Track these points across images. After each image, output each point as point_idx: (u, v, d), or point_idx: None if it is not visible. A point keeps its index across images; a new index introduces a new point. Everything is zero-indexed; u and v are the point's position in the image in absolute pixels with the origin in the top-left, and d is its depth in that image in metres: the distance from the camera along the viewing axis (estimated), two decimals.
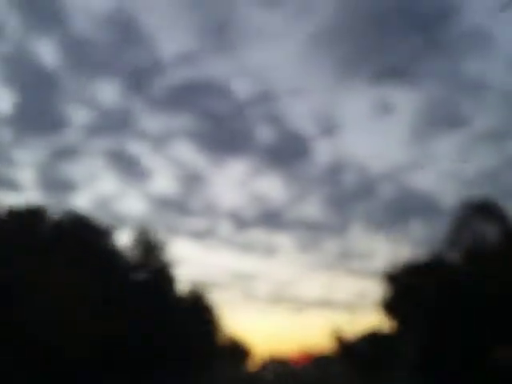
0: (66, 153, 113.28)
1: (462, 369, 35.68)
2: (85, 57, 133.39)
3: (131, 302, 39.60)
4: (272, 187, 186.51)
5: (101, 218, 44.97)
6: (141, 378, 41.84)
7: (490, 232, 39.76)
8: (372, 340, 62.54)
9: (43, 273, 30.17)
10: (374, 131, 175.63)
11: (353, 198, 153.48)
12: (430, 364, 38.20)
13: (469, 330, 35.12)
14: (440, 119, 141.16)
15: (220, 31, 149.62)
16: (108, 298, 36.13)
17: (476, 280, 36.03)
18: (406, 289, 43.92)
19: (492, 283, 34.30)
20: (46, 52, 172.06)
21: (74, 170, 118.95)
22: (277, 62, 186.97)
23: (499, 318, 34.09)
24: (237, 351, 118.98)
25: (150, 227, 51.04)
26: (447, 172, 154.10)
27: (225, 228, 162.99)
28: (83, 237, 38.95)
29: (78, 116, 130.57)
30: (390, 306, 48.22)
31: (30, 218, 37.88)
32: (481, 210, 40.34)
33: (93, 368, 34.07)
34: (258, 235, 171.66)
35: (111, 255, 42.64)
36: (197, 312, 64.32)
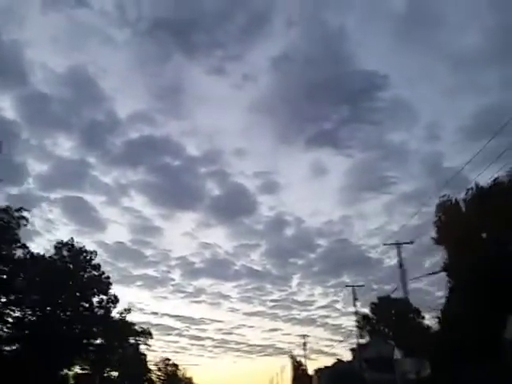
0: (23, 201, 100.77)
1: None
2: (42, 111, 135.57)
3: None
4: (219, 239, 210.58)
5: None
6: None
7: None
8: None
9: None
10: (310, 191, 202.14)
11: (293, 251, 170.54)
12: None
13: None
14: (367, 181, 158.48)
15: (172, 94, 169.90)
16: None
17: None
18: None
19: None
20: (5, 105, 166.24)
21: (32, 217, 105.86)
22: (223, 124, 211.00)
23: None
24: None
25: None
26: (374, 228, 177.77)
27: (175, 276, 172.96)
28: None
29: (36, 167, 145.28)
30: None
31: None
32: None
33: None
34: (206, 283, 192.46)
35: None
36: None
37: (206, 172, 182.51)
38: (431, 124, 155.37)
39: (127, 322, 58.98)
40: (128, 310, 53.93)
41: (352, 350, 70.64)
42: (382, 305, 75.42)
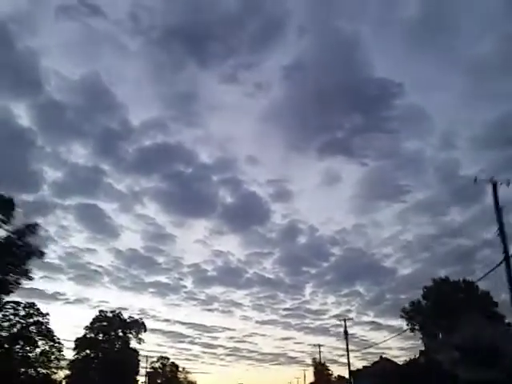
0: (39, 208, 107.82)
1: None
2: (57, 119, 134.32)
3: None
4: (232, 247, 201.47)
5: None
6: None
7: None
8: None
9: None
10: (323, 199, 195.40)
11: (306, 259, 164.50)
12: None
13: None
14: (382, 190, 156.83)
15: (185, 102, 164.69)
16: None
17: None
18: None
19: None
20: (20, 113, 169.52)
21: (47, 224, 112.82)
22: (236, 132, 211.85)
23: None
24: None
25: None
26: (388, 237, 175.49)
27: (187, 284, 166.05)
28: None
29: (51, 174, 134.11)
30: None
31: None
32: None
33: None
34: (218, 291, 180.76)
35: None
36: None
37: (219, 180, 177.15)
38: (447, 132, 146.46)
39: None
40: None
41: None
42: (440, 290, 59.66)
